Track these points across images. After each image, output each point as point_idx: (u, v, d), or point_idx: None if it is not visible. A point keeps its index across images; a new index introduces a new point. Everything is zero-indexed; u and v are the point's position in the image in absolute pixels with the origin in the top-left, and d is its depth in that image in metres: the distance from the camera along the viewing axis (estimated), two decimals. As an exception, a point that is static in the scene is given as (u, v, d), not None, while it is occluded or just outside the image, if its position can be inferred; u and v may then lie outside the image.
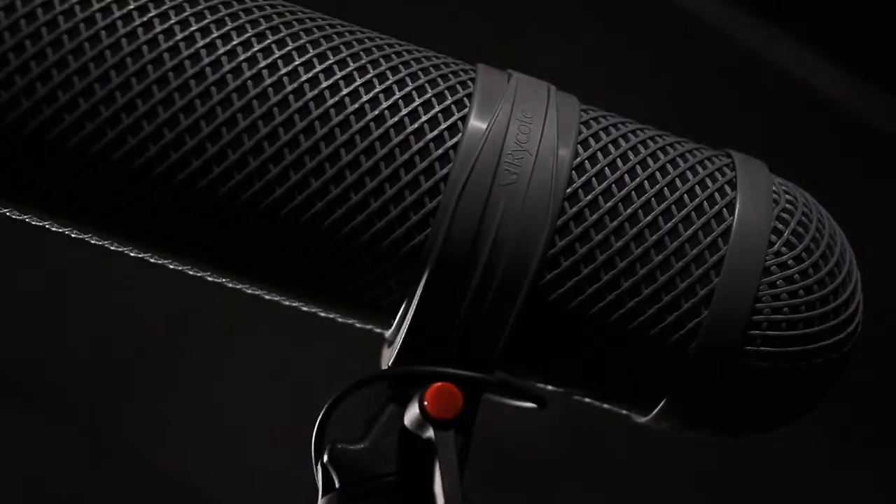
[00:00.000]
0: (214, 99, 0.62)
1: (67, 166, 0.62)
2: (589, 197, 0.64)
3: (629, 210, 0.64)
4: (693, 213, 0.65)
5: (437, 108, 0.64)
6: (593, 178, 0.65)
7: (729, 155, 0.68)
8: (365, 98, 0.63)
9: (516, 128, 0.64)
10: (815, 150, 1.80)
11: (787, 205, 0.66)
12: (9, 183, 0.63)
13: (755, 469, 1.75)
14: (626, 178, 0.65)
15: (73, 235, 0.66)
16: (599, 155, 0.65)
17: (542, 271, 0.63)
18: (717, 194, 0.66)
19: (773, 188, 0.67)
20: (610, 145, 0.66)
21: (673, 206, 0.65)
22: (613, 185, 0.65)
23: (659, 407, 0.67)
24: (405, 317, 0.64)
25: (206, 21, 0.63)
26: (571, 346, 0.65)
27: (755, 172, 0.67)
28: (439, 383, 0.63)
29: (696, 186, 0.66)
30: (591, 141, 0.65)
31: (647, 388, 0.66)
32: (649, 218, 0.65)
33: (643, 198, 0.65)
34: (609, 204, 0.64)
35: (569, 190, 0.64)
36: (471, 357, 0.64)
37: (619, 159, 0.65)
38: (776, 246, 0.65)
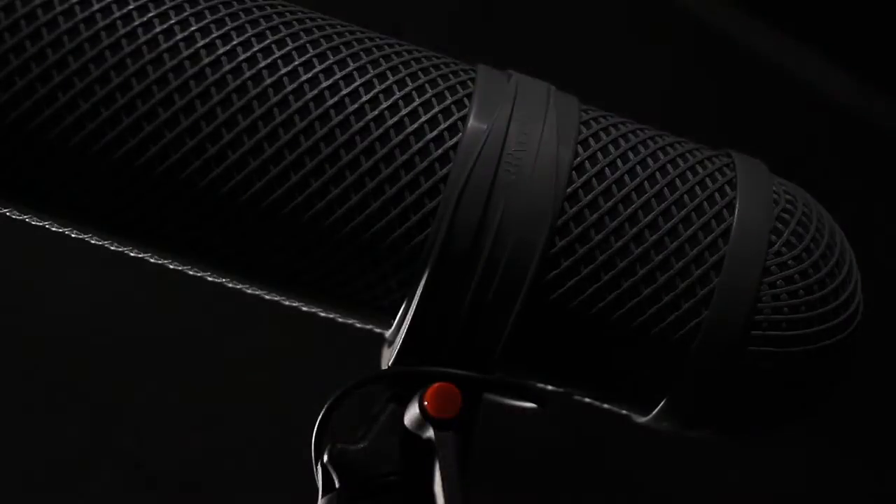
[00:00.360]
0: (214, 99, 0.62)
1: (67, 166, 0.62)
2: (589, 197, 0.64)
3: (629, 210, 0.64)
4: (693, 213, 0.65)
5: (437, 109, 0.64)
6: (593, 179, 0.65)
7: (729, 155, 0.68)
8: (364, 98, 0.63)
9: (516, 128, 0.64)
10: (815, 150, 1.80)
11: (787, 205, 0.66)
12: (9, 183, 0.63)
13: (760, 468, 1.75)
14: (626, 178, 0.65)
15: (73, 235, 0.66)
16: (599, 155, 0.65)
17: (542, 271, 0.63)
18: (716, 194, 0.66)
19: (773, 188, 0.67)
20: (610, 145, 0.66)
21: (672, 206, 0.65)
22: (613, 186, 0.65)
23: (659, 407, 0.67)
24: (405, 317, 0.64)
25: (206, 21, 0.63)
26: (571, 346, 0.65)
27: (755, 172, 0.67)
28: (439, 383, 0.63)
29: (696, 187, 0.66)
30: (591, 141, 0.65)
31: (647, 388, 0.66)
32: (649, 218, 0.65)
33: (643, 198, 0.65)
34: (609, 204, 0.64)
35: (569, 190, 0.64)
36: (471, 357, 0.64)
37: (618, 159, 0.65)
38: (776, 246, 0.65)
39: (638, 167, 0.65)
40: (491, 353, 0.64)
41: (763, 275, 0.65)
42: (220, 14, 0.63)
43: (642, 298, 0.64)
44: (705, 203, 0.65)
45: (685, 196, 0.65)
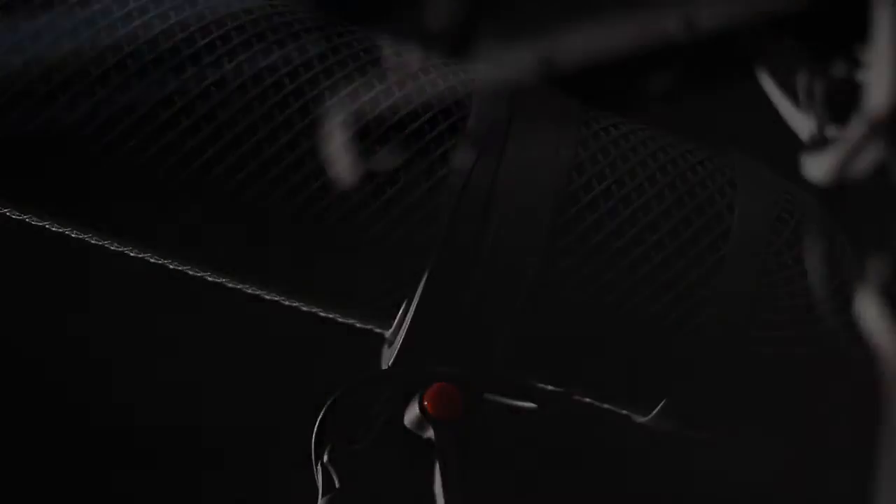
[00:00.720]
0: (214, 100, 0.62)
1: (67, 166, 0.62)
2: (588, 197, 0.64)
3: (628, 211, 0.64)
4: (692, 214, 0.65)
5: (437, 109, 0.64)
6: (593, 179, 0.65)
7: (729, 155, 0.68)
8: (364, 98, 0.63)
9: (516, 129, 0.64)
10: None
11: (787, 205, 0.66)
12: (9, 183, 0.63)
13: (760, 467, 1.75)
14: (626, 178, 0.65)
15: (73, 235, 0.66)
16: (599, 155, 0.65)
17: (541, 272, 0.63)
18: (716, 195, 0.66)
19: (773, 188, 0.67)
20: (610, 146, 0.65)
21: (672, 207, 0.65)
22: (613, 186, 0.65)
23: (659, 407, 0.67)
24: (405, 317, 0.64)
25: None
26: (571, 346, 0.65)
27: (755, 172, 0.67)
28: (439, 383, 0.63)
29: (696, 187, 0.66)
30: (591, 141, 0.65)
31: (647, 388, 0.66)
32: (649, 219, 0.65)
33: (642, 199, 0.65)
34: (608, 205, 0.64)
35: (569, 190, 0.64)
36: (471, 357, 0.64)
37: (618, 160, 0.65)
38: (776, 246, 0.65)
39: (638, 168, 0.65)
40: (491, 353, 0.64)
41: (763, 275, 0.65)
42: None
43: (642, 300, 0.64)
44: (705, 204, 0.65)
45: (685, 196, 0.65)
